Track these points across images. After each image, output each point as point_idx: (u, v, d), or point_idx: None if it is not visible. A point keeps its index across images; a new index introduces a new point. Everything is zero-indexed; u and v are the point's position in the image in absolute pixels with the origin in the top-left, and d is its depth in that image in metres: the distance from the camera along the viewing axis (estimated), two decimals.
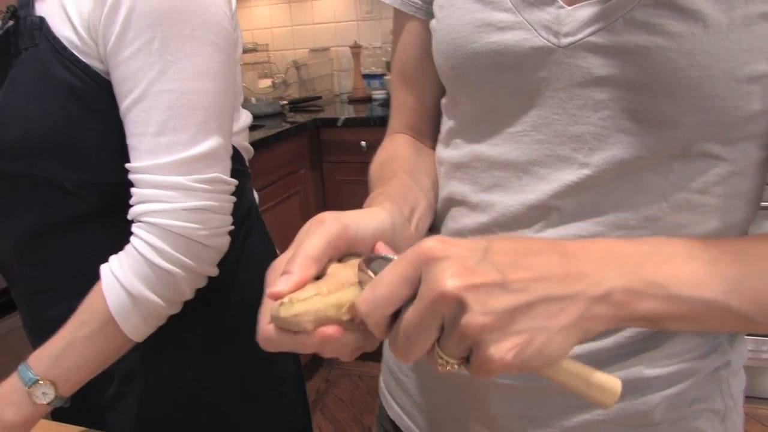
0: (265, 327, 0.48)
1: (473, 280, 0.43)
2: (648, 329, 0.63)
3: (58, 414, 0.91)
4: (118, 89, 0.85)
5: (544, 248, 0.49)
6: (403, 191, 0.68)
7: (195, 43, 0.85)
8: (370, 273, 0.48)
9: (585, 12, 0.58)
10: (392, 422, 0.86)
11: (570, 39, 0.58)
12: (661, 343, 0.64)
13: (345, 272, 0.50)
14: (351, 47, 3.41)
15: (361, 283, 0.49)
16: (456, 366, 0.47)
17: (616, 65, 0.56)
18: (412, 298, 0.45)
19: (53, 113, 0.86)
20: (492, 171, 0.66)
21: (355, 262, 0.51)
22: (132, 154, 0.86)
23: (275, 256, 1.13)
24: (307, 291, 0.48)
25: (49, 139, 0.87)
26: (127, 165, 0.86)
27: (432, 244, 0.45)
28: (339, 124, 2.85)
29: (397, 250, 0.55)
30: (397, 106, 0.86)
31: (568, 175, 0.61)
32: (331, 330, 0.47)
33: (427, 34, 0.74)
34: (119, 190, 0.88)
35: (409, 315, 0.45)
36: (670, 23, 0.53)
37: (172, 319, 0.93)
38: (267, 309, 0.48)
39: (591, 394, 0.48)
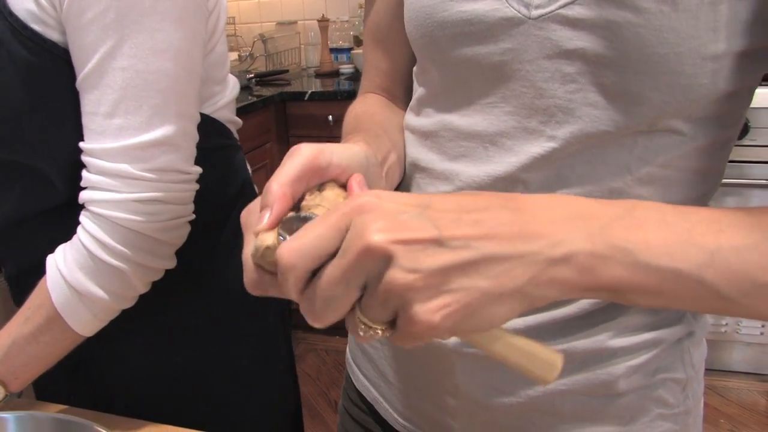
0: (249, 270, 0.46)
1: (404, 235, 0.40)
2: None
3: (41, 398, 0.89)
4: (74, 60, 0.79)
5: (493, 203, 0.44)
6: (376, 140, 0.67)
7: (156, 16, 0.77)
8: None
9: None
10: (359, 393, 0.86)
11: (541, 11, 0.58)
12: (626, 313, 0.65)
13: (327, 195, 0.47)
14: (318, 21, 3.38)
15: (283, 230, 0.45)
16: (379, 331, 0.43)
17: (586, 39, 0.56)
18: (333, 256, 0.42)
19: (21, 98, 0.81)
20: (459, 141, 0.66)
21: (334, 185, 0.48)
22: (84, 133, 0.80)
23: None
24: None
25: (17, 123, 0.82)
26: (80, 144, 0.80)
27: (366, 197, 0.42)
28: (306, 98, 2.84)
29: (370, 188, 0.51)
30: (369, 68, 0.85)
31: (535, 148, 0.61)
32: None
33: None
34: None
35: (330, 270, 0.41)
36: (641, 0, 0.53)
37: (163, 303, 0.89)
38: (249, 252, 0.46)
39: (530, 369, 0.44)
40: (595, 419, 0.68)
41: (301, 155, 0.48)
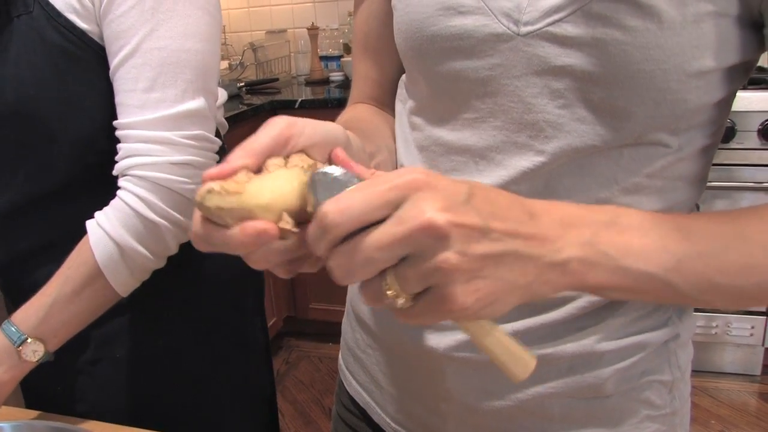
0: (195, 221, 0.46)
1: (461, 219, 0.43)
2: (601, 302, 0.65)
3: (28, 379, 0.91)
4: (110, 47, 0.88)
5: (515, 204, 0.48)
6: (365, 138, 0.67)
7: (186, 4, 0.88)
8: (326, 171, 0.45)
9: (546, 2, 0.58)
10: (351, 398, 0.87)
11: (529, 28, 0.59)
12: (613, 318, 0.66)
13: (281, 173, 0.46)
14: (308, 29, 3.38)
15: (313, 185, 0.45)
16: (402, 300, 0.44)
17: (574, 56, 0.57)
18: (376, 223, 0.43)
19: (47, 78, 0.88)
20: (450, 156, 0.67)
21: (297, 161, 0.47)
22: (120, 110, 0.88)
23: None
24: (239, 183, 0.44)
25: (43, 104, 0.89)
26: (114, 122, 0.88)
27: (420, 175, 0.43)
28: (296, 106, 2.84)
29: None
30: (358, 77, 0.86)
31: (524, 162, 0.62)
32: (260, 225, 0.43)
33: (390, 5, 0.74)
34: (105, 161, 0.90)
35: (379, 235, 0.42)
36: (627, 17, 0.54)
37: (150, 285, 0.93)
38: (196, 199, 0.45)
39: (507, 363, 0.47)
40: (584, 421, 0.69)
41: (274, 127, 0.48)
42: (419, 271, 0.43)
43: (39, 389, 1.06)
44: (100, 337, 1.01)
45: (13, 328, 0.86)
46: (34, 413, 0.93)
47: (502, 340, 0.47)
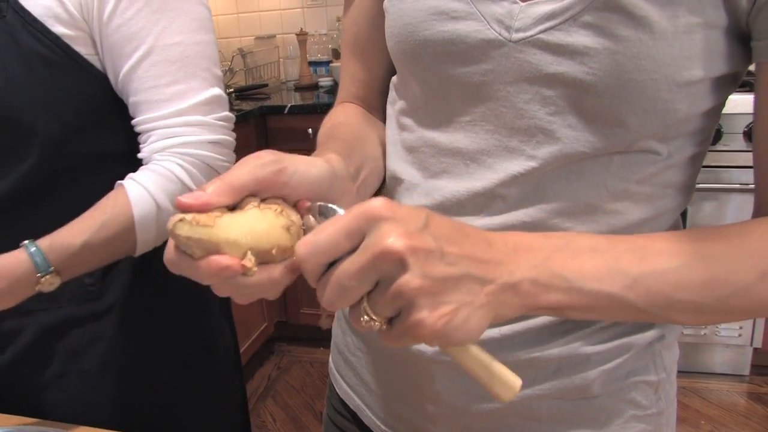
0: (169, 246, 0.48)
1: (416, 243, 0.45)
2: None
3: None
4: (120, 50, 0.90)
5: (472, 233, 0.51)
6: (350, 152, 0.68)
7: (188, 0, 0.93)
8: (313, 220, 0.50)
9: (538, 9, 0.59)
10: (342, 401, 0.87)
11: (521, 34, 0.60)
12: (599, 321, 0.67)
13: (254, 213, 0.48)
14: (297, 34, 3.38)
15: (305, 228, 0.50)
16: (379, 324, 0.48)
17: (565, 64, 0.58)
18: (350, 253, 0.46)
19: (18, 80, 0.89)
20: (440, 157, 0.67)
21: (275, 207, 0.49)
22: (143, 108, 0.92)
23: None
24: (210, 216, 0.46)
25: (13, 105, 0.89)
26: (137, 119, 0.92)
27: (379, 204, 0.46)
28: (286, 111, 2.84)
29: (334, 203, 0.53)
30: (346, 77, 0.86)
31: (515, 166, 0.63)
32: (224, 260, 0.46)
33: (381, 6, 0.74)
34: (77, 165, 0.90)
35: (348, 265, 0.46)
36: (620, 28, 0.55)
37: (116, 291, 0.96)
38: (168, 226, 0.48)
39: (492, 386, 0.49)
40: (572, 422, 0.70)
41: (261, 168, 0.50)
42: (386, 296, 0.46)
43: (6, 408, 1.03)
44: (66, 350, 1.01)
45: (40, 257, 0.84)
46: (30, 420, 0.93)
47: (486, 363, 0.49)
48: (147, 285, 1.04)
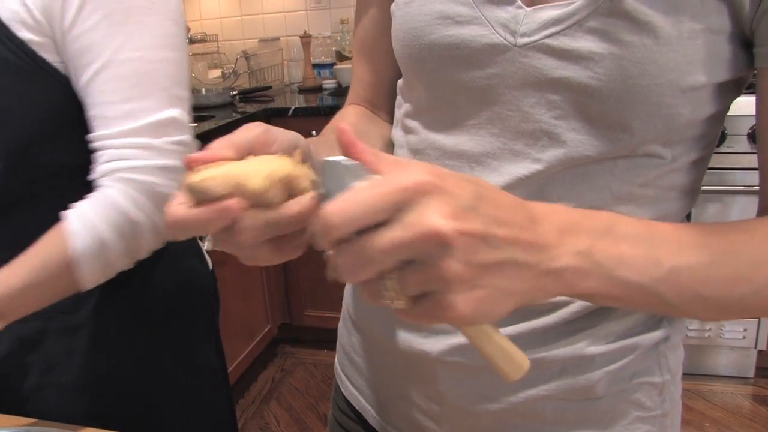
0: (173, 207, 0.46)
1: (464, 227, 0.42)
2: (593, 306, 0.65)
3: None
4: (78, 61, 0.86)
5: (518, 207, 0.47)
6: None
7: (154, 15, 0.88)
8: (333, 158, 0.45)
9: (543, 14, 0.59)
10: (347, 402, 0.87)
11: (526, 39, 0.60)
12: (604, 321, 0.67)
13: (263, 156, 0.49)
14: (301, 37, 3.39)
15: (313, 182, 0.46)
16: (402, 302, 0.44)
17: (570, 69, 0.58)
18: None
19: None
20: (445, 160, 0.68)
21: (273, 156, 0.49)
22: (98, 123, 0.87)
23: (199, 247, 1.14)
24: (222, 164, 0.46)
25: None
26: (90, 135, 0.87)
27: (425, 174, 0.42)
28: (289, 114, 2.85)
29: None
30: (355, 79, 0.87)
31: (520, 169, 0.63)
32: (233, 201, 0.44)
33: (388, 10, 0.74)
34: (39, 176, 0.89)
35: (385, 239, 0.41)
36: (624, 33, 0.55)
37: (90, 305, 0.94)
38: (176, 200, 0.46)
39: (501, 364, 0.48)
40: (576, 423, 0.70)
41: (253, 130, 0.50)
42: (421, 277, 0.43)
43: None
44: (42, 363, 1.00)
45: None
46: (30, 420, 0.92)
47: (498, 341, 0.48)
48: (121, 301, 1.02)
